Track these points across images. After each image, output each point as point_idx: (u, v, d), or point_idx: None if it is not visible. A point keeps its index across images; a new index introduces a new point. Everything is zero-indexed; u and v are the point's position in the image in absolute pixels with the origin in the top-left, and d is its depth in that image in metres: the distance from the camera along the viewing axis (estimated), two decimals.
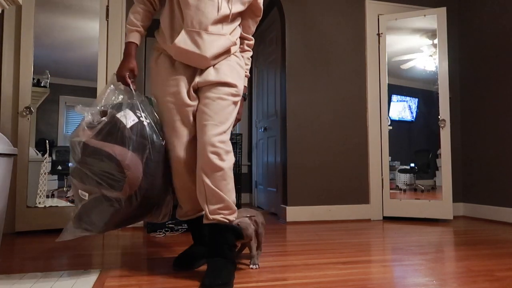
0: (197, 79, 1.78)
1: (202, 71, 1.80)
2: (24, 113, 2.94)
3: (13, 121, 2.95)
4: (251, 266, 1.89)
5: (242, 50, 2.04)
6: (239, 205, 3.35)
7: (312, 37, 3.78)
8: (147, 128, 1.67)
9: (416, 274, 1.79)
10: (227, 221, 1.70)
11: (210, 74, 1.78)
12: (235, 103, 1.81)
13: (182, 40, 1.71)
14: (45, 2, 3.05)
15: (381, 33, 3.90)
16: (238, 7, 1.81)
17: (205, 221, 1.71)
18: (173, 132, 1.78)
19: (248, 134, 5.45)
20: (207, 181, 1.66)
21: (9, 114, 2.95)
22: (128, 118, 1.63)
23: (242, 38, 2.03)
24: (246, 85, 2.05)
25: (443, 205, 3.61)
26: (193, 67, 1.81)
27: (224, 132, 1.71)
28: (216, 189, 1.66)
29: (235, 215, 1.74)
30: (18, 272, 1.82)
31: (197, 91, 1.82)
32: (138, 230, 3.11)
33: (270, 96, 4.46)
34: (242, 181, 5.34)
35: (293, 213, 3.58)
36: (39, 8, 3.04)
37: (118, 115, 1.62)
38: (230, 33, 1.83)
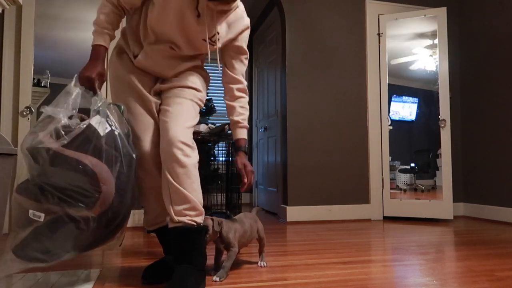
0: (159, 84, 1.75)
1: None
2: (25, 113, 2.95)
3: (13, 121, 2.96)
4: (259, 263, 1.96)
5: (232, 99, 1.83)
6: (239, 205, 3.35)
7: (312, 37, 3.78)
8: (118, 139, 1.47)
9: (416, 274, 1.79)
10: (195, 223, 1.56)
11: (174, 80, 1.75)
12: (198, 106, 1.75)
13: (143, 59, 1.69)
14: (45, 2, 3.05)
15: (381, 33, 3.89)
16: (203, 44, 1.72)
17: (170, 225, 1.57)
18: (140, 125, 1.68)
19: (249, 134, 5.45)
20: (170, 178, 1.54)
21: (9, 114, 2.95)
22: (102, 126, 1.43)
23: (227, 83, 1.84)
24: (246, 137, 1.84)
25: (443, 205, 3.60)
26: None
27: (188, 128, 1.63)
28: (180, 188, 1.54)
29: (202, 217, 1.61)
30: (18, 272, 1.82)
31: (159, 93, 1.77)
32: (138, 230, 3.11)
33: (270, 96, 4.46)
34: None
35: (294, 213, 3.58)
36: (40, 7, 3.04)
37: (93, 122, 1.42)
38: (193, 68, 1.82)
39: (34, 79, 3.02)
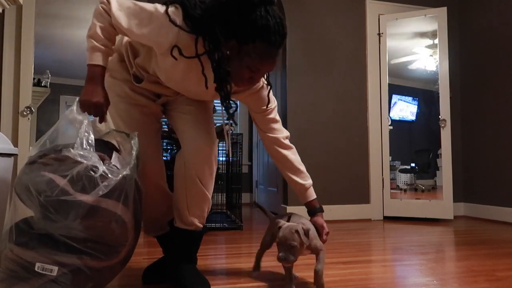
0: (165, 97, 1.63)
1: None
2: (25, 113, 2.95)
3: (13, 121, 2.96)
4: None
5: (283, 148, 1.66)
6: (239, 205, 3.34)
7: (312, 37, 3.78)
8: (135, 175, 1.31)
9: (416, 274, 1.79)
10: (201, 226, 1.61)
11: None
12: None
13: (146, 85, 1.55)
14: (45, 2, 3.05)
15: (382, 33, 3.89)
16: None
17: (182, 226, 1.56)
18: (141, 131, 1.54)
19: (249, 133, 5.45)
20: (200, 183, 1.52)
21: (9, 113, 2.95)
22: (120, 164, 1.27)
23: (267, 141, 1.67)
24: (315, 196, 1.73)
25: (443, 205, 3.60)
26: None
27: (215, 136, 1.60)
28: (207, 192, 1.55)
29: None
30: None
31: (166, 104, 1.66)
32: None
33: None
34: (243, 181, 5.34)
35: (294, 213, 3.58)
36: (40, 7, 3.04)
37: (113, 161, 1.26)
38: None
39: (34, 79, 3.02)
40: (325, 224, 1.67)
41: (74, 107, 1.29)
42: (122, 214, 1.22)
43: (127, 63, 1.57)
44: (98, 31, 1.34)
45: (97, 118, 1.36)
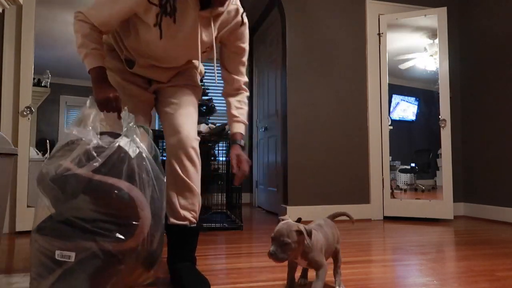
0: (156, 84, 1.73)
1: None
2: (25, 113, 2.95)
3: (13, 121, 2.96)
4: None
5: (230, 95, 1.77)
6: (239, 205, 3.35)
7: (312, 37, 3.78)
8: (148, 161, 1.35)
9: (416, 274, 1.79)
10: (195, 221, 1.61)
11: (172, 79, 1.74)
12: (197, 101, 1.76)
13: (137, 68, 1.65)
14: (45, 2, 3.05)
15: (382, 33, 3.89)
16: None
17: (175, 222, 1.58)
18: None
19: (249, 133, 5.45)
20: (180, 171, 1.56)
21: (9, 113, 2.95)
22: (131, 148, 1.31)
23: (225, 80, 1.77)
24: (242, 132, 1.75)
25: (443, 205, 3.60)
26: None
27: (196, 127, 1.67)
28: (191, 183, 1.58)
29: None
30: (18, 272, 1.82)
31: (157, 92, 1.75)
32: None
33: (270, 96, 4.46)
34: (243, 181, 5.34)
35: (294, 212, 3.58)
36: (40, 7, 3.04)
37: (122, 143, 1.29)
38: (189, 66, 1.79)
39: (34, 79, 3.02)
40: (241, 153, 1.65)
41: (88, 104, 1.37)
42: (128, 191, 1.23)
43: (118, 50, 1.65)
44: (84, 39, 1.43)
45: (116, 114, 1.45)
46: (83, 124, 1.32)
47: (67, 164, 1.21)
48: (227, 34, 1.67)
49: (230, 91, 1.78)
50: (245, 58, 1.76)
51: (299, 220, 1.51)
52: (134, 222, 1.24)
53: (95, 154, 1.22)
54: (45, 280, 1.16)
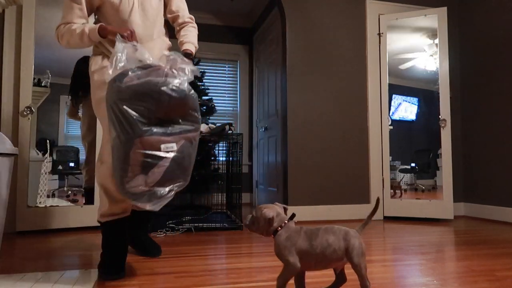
0: None
1: None
2: (25, 113, 2.95)
3: (13, 121, 2.96)
4: None
5: (177, 32, 2.04)
6: (239, 205, 3.35)
7: (312, 37, 3.78)
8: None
9: (416, 274, 1.79)
10: None
11: None
12: None
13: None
14: (45, 2, 3.05)
15: (382, 33, 3.89)
16: (158, 9, 1.95)
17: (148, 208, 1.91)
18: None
19: (249, 133, 5.45)
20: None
21: (10, 114, 2.95)
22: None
23: (172, 21, 2.05)
24: (192, 49, 2.00)
25: (443, 204, 3.60)
26: None
27: None
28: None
29: None
30: (18, 272, 1.82)
31: None
32: None
33: (270, 96, 4.46)
34: (243, 181, 5.34)
35: (294, 212, 3.57)
36: (40, 6, 3.04)
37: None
38: (160, 36, 1.97)
39: (34, 79, 3.02)
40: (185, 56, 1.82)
41: (118, 41, 1.57)
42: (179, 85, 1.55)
43: (107, 53, 1.84)
44: (73, 30, 1.75)
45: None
46: (132, 59, 1.55)
47: (169, 73, 1.53)
48: None
49: (178, 28, 2.05)
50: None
51: (293, 216, 1.52)
52: (198, 118, 1.63)
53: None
54: (151, 176, 1.48)
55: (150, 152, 1.46)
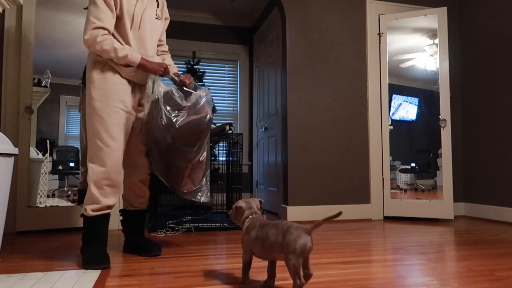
0: (141, 95, 2.17)
1: (142, 86, 2.17)
2: (25, 113, 2.95)
3: (14, 121, 2.96)
4: None
5: (162, 55, 2.41)
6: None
7: (312, 37, 3.78)
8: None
9: (417, 274, 1.79)
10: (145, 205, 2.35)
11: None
12: None
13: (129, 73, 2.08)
14: (46, 1, 3.05)
15: (382, 33, 3.89)
16: (161, 32, 2.34)
17: (137, 208, 2.29)
18: (114, 135, 1.99)
19: (249, 133, 5.45)
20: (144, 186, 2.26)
21: (10, 114, 2.95)
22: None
23: (159, 49, 2.41)
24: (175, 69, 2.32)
25: (444, 204, 3.60)
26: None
27: None
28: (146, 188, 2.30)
29: None
30: (19, 272, 1.82)
31: (139, 103, 2.19)
32: None
33: (270, 96, 4.46)
34: (243, 181, 5.34)
35: (294, 212, 3.58)
36: (40, 7, 3.04)
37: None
38: (155, 54, 2.24)
39: (34, 79, 3.02)
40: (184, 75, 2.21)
41: (150, 86, 2.05)
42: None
43: (111, 61, 2.04)
44: (115, 45, 1.95)
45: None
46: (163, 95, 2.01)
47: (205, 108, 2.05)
48: (162, 9, 2.28)
49: (160, 52, 2.41)
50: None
51: (262, 212, 1.86)
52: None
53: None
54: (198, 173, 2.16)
55: (197, 165, 2.09)
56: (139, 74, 2.09)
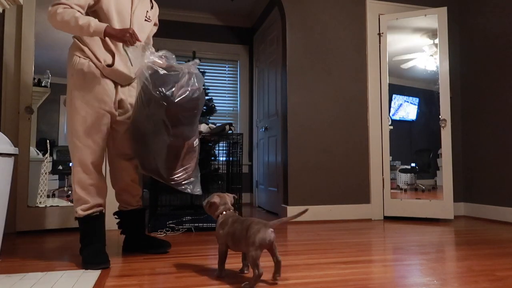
0: (121, 95, 2.11)
1: (123, 86, 2.12)
2: (25, 113, 2.95)
3: (14, 121, 2.96)
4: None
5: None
6: (239, 205, 3.34)
7: (313, 37, 3.78)
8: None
9: (417, 274, 1.79)
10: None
11: (131, 95, 2.16)
12: None
13: (120, 65, 2.01)
14: (46, 2, 3.05)
15: (382, 33, 3.89)
16: (150, 29, 2.26)
17: (136, 207, 2.28)
18: (94, 135, 1.98)
19: (249, 133, 5.45)
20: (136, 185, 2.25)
21: (10, 114, 2.95)
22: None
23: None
24: None
25: (444, 204, 3.60)
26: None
27: None
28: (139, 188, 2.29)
29: None
30: (18, 272, 1.82)
31: (119, 104, 2.14)
32: None
33: (270, 96, 4.46)
34: (243, 181, 5.34)
35: (294, 212, 3.58)
36: (40, 7, 3.04)
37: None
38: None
39: (34, 79, 3.02)
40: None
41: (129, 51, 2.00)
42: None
43: (93, 56, 1.98)
44: (79, 17, 1.82)
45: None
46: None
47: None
48: (154, 12, 2.25)
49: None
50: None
51: (237, 206, 1.91)
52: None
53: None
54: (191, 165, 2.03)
55: (192, 149, 1.94)
56: (121, 74, 2.03)
